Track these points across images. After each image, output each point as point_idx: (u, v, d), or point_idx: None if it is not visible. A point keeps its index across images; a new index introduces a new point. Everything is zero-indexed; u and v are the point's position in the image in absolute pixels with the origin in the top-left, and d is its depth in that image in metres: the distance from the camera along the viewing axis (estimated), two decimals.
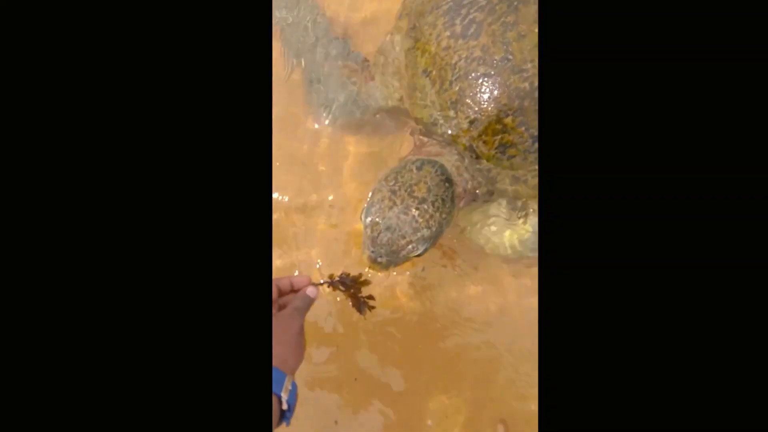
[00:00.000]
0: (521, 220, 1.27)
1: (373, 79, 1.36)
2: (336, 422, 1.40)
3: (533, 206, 1.26)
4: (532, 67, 1.07)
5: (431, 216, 1.11)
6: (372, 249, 1.10)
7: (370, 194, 1.16)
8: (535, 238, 1.25)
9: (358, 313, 1.10)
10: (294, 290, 0.98)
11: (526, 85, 1.07)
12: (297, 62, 1.46)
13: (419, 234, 1.10)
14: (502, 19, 1.10)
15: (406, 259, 1.13)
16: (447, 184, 1.15)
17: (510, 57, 1.08)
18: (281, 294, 0.98)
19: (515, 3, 1.10)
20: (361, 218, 1.15)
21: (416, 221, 1.09)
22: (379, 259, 1.10)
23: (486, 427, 1.39)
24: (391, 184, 1.13)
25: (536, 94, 1.07)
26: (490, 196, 1.26)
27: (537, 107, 1.07)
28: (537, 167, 1.13)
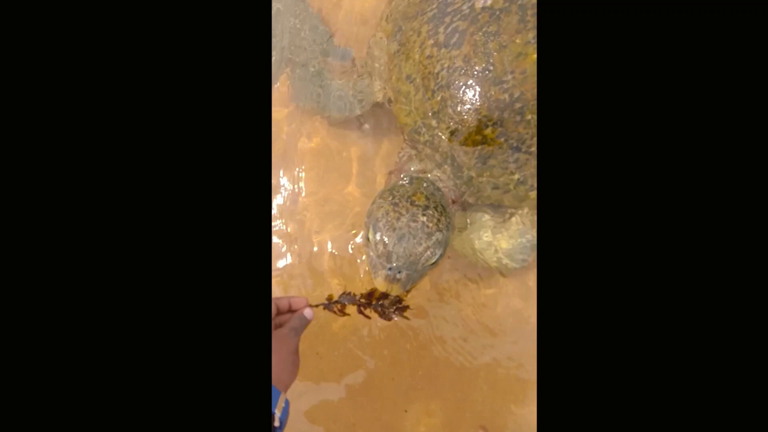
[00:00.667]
0: (504, 229, 1.30)
1: (359, 77, 1.38)
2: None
3: (515, 214, 1.30)
4: (512, 79, 1.08)
5: (439, 219, 1.11)
6: (389, 266, 1.06)
7: (367, 216, 1.15)
8: (520, 248, 1.28)
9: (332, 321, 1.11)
10: (292, 310, 1.01)
11: (506, 96, 1.09)
12: (285, 61, 1.46)
13: (434, 238, 1.09)
14: (485, 29, 1.10)
15: (424, 273, 1.11)
16: (440, 192, 1.18)
17: (491, 68, 1.09)
18: (279, 313, 1.01)
19: (497, 12, 1.10)
20: (367, 238, 1.11)
21: (427, 226, 1.09)
22: (398, 275, 1.07)
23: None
24: (390, 198, 1.14)
25: (516, 105, 1.09)
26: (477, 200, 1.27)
27: (516, 118, 1.10)
28: (517, 177, 1.17)
